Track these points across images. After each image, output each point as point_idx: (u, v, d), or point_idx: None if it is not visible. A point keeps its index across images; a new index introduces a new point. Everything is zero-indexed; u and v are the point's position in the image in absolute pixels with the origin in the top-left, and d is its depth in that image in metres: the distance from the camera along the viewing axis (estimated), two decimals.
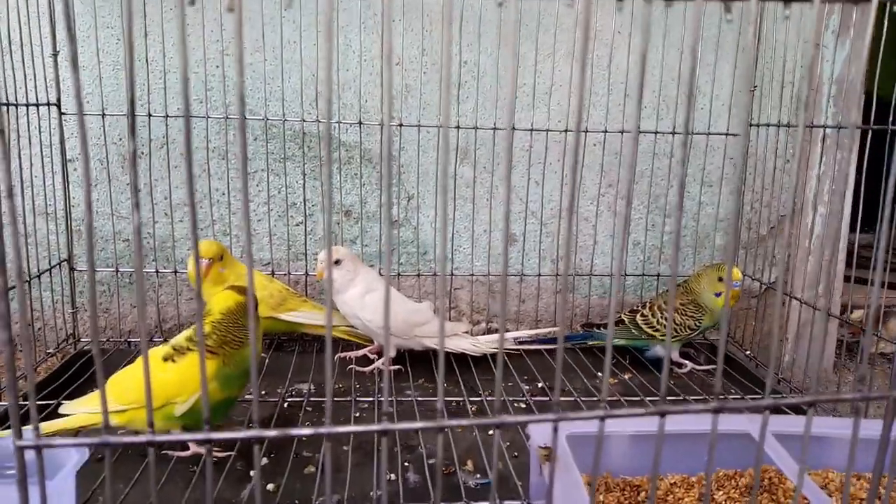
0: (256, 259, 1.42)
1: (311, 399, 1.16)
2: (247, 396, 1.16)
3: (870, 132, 1.24)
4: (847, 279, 1.55)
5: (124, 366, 1.24)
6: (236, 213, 1.40)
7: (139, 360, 0.94)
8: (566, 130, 1.39)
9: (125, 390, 0.90)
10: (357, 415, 1.13)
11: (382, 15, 1.34)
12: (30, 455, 0.69)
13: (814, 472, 0.84)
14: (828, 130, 1.46)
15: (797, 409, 1.09)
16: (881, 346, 1.74)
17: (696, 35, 0.40)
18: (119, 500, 0.84)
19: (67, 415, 0.92)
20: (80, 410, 0.91)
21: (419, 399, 1.16)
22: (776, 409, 1.07)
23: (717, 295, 1.25)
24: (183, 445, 0.93)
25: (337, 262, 1.18)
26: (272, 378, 1.25)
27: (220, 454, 0.93)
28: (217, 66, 1.35)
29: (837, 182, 1.48)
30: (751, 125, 1.43)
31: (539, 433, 0.79)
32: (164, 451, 0.94)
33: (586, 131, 1.40)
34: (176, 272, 1.39)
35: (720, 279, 1.24)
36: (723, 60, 1.43)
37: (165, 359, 0.89)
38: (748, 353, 1.43)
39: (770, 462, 0.79)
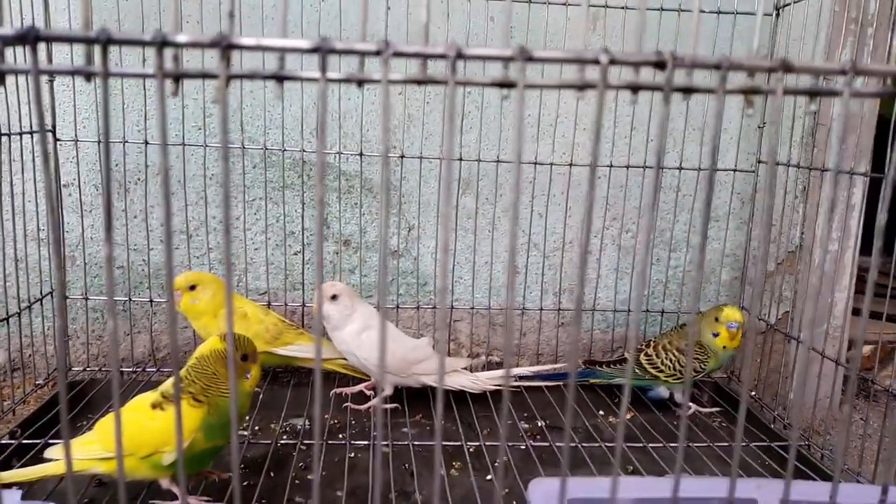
0: (253, 289, 1.40)
1: (306, 440, 1.13)
2: (242, 432, 1.14)
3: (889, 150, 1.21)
4: (875, 315, 1.52)
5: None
6: (233, 241, 1.38)
7: (129, 405, 0.91)
8: (571, 164, 1.36)
9: (113, 436, 0.86)
10: (352, 455, 1.10)
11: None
12: None
13: None
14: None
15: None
16: (887, 383, 1.71)
17: (717, 129, 0.38)
18: None
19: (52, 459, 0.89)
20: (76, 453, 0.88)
21: (416, 444, 1.13)
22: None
23: (715, 336, 1.22)
24: (172, 495, 0.90)
25: (334, 298, 1.15)
26: (266, 412, 1.22)
27: None
28: (190, 60, 1.32)
29: (841, 220, 1.45)
30: (759, 161, 1.40)
31: (539, 497, 0.76)
32: (151, 501, 0.91)
33: (591, 166, 1.37)
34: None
35: (716, 319, 1.21)
36: (730, 98, 1.40)
37: (154, 406, 0.86)
38: (753, 393, 1.40)
39: None
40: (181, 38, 0.34)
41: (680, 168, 1.39)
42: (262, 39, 0.36)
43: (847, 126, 1.41)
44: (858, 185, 1.45)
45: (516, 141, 0.34)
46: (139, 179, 1.34)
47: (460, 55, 0.36)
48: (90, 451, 0.86)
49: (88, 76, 0.35)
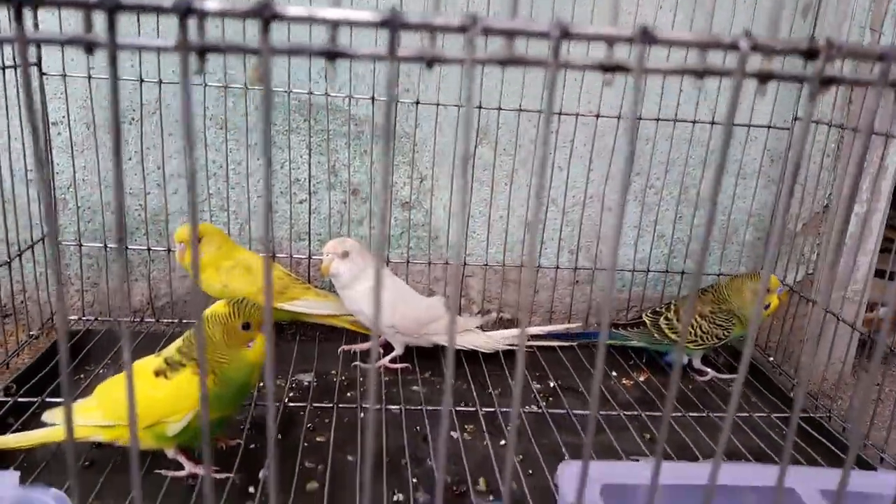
0: (256, 239, 1.33)
1: (315, 399, 1.09)
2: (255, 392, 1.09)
3: None
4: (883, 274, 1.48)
5: (115, 354, 1.18)
6: (234, 187, 1.30)
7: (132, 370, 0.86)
8: (598, 115, 1.28)
9: (114, 404, 0.82)
10: (362, 415, 1.06)
11: None
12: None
13: None
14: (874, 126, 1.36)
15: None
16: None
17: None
18: None
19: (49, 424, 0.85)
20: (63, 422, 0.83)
21: (429, 409, 1.09)
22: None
23: (766, 307, 1.18)
24: (177, 465, 0.86)
25: (344, 255, 1.09)
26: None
27: (218, 475, 0.86)
28: (216, 27, 1.21)
29: (871, 181, 1.39)
30: (795, 119, 1.32)
31: (572, 483, 0.72)
32: (157, 471, 0.87)
33: (619, 117, 1.29)
34: (169, 250, 1.29)
35: (768, 290, 1.16)
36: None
37: (157, 373, 0.81)
38: (771, 359, 1.37)
39: None
40: (211, 4, 0.27)
41: (712, 123, 1.30)
42: (315, 10, 0.28)
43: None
44: (894, 146, 1.37)
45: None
46: (133, 119, 1.24)
47: (566, 34, 0.28)
48: (90, 417, 0.82)
49: (90, 47, 0.28)
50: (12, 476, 0.61)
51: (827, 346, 1.41)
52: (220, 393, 0.80)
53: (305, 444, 0.99)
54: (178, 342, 0.84)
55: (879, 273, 1.53)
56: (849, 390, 1.50)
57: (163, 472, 0.86)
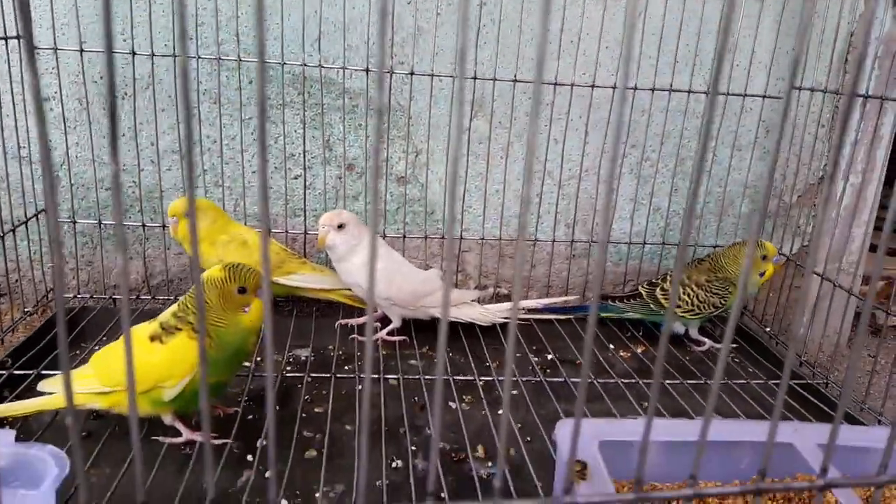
0: (252, 214, 1.32)
1: (312, 372, 1.09)
2: (246, 366, 1.09)
3: None
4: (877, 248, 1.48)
5: (110, 329, 1.17)
6: (229, 162, 1.29)
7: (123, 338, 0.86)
8: (593, 86, 1.27)
9: (110, 371, 0.81)
10: (359, 388, 1.06)
11: None
12: (6, 460, 0.61)
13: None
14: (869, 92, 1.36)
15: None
16: (891, 320, 1.70)
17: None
18: (109, 487, 0.77)
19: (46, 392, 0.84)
20: (60, 390, 0.83)
21: (427, 378, 1.09)
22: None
23: (761, 275, 1.18)
24: (175, 431, 0.86)
25: (340, 227, 1.08)
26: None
27: (216, 441, 0.86)
28: None
29: (866, 151, 1.39)
30: (792, 87, 1.32)
31: (568, 437, 0.72)
32: (154, 438, 0.87)
33: (614, 87, 1.28)
34: (164, 226, 1.28)
35: (763, 257, 1.16)
36: (766, 14, 1.30)
37: (153, 338, 0.81)
38: (768, 329, 1.37)
39: (813, 473, 0.74)
40: None
41: (707, 93, 1.30)
42: None
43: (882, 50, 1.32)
44: (889, 114, 1.37)
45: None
46: (126, 94, 1.23)
47: None
48: (87, 384, 0.81)
49: None
50: (8, 434, 0.61)
51: (823, 316, 1.41)
52: (217, 357, 0.80)
53: (303, 415, 0.99)
54: (174, 307, 0.84)
55: (874, 249, 1.53)
56: (845, 361, 1.51)
57: (160, 438, 0.86)
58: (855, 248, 1.47)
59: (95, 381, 0.81)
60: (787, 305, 1.43)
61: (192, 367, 0.79)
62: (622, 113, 0.31)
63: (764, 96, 1.32)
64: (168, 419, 0.85)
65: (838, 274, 1.46)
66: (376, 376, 1.07)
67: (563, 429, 0.73)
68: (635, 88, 1.28)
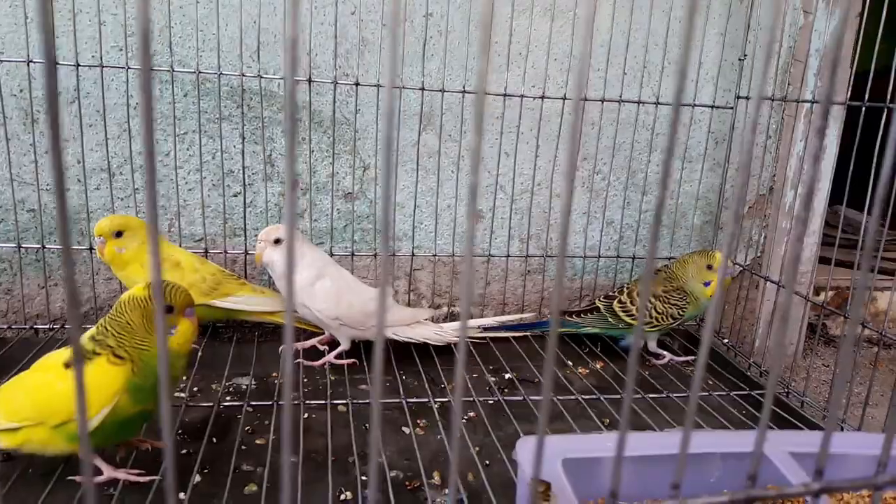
0: (187, 235, 1.24)
1: (253, 401, 1.01)
2: (181, 396, 1.01)
3: (863, 109, 1.15)
4: (827, 261, 1.49)
5: (28, 362, 1.07)
6: (163, 180, 1.21)
7: (38, 364, 0.77)
8: (543, 97, 1.25)
9: (18, 405, 0.72)
10: (306, 416, 0.99)
11: None
12: None
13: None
14: (813, 105, 1.38)
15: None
16: (846, 326, 1.71)
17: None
18: None
19: None
20: None
21: (378, 402, 1.02)
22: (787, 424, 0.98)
23: (706, 284, 1.15)
24: (95, 469, 0.77)
25: (277, 242, 1.02)
26: (206, 371, 1.09)
27: (141, 479, 0.77)
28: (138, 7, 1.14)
29: (811, 160, 1.40)
30: (738, 97, 1.32)
31: (529, 456, 0.67)
32: (69, 478, 0.77)
33: (564, 99, 1.26)
34: (91, 249, 1.19)
35: (709, 267, 1.14)
36: (711, 27, 1.31)
37: (67, 365, 0.72)
38: (726, 341, 1.35)
39: (786, 483, 0.70)
40: None
41: (657, 104, 1.29)
42: None
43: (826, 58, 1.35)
44: (833, 125, 1.39)
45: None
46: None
47: None
48: None
49: None
50: None
51: (786, 330, 1.41)
52: (141, 384, 0.72)
53: (243, 448, 0.91)
54: (92, 330, 0.75)
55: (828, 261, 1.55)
56: (802, 372, 1.50)
57: (77, 478, 0.77)
58: (805, 258, 1.48)
59: (0, 416, 0.72)
60: (743, 317, 1.42)
61: (112, 395, 0.70)
62: (575, 125, 0.27)
63: (713, 106, 1.32)
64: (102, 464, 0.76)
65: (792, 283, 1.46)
66: (321, 402, 1.00)
67: (524, 447, 0.68)
68: (585, 99, 1.27)
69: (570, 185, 0.27)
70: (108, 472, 0.76)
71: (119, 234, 1.05)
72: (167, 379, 0.26)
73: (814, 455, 0.71)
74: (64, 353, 0.74)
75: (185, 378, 1.05)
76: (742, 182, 0.31)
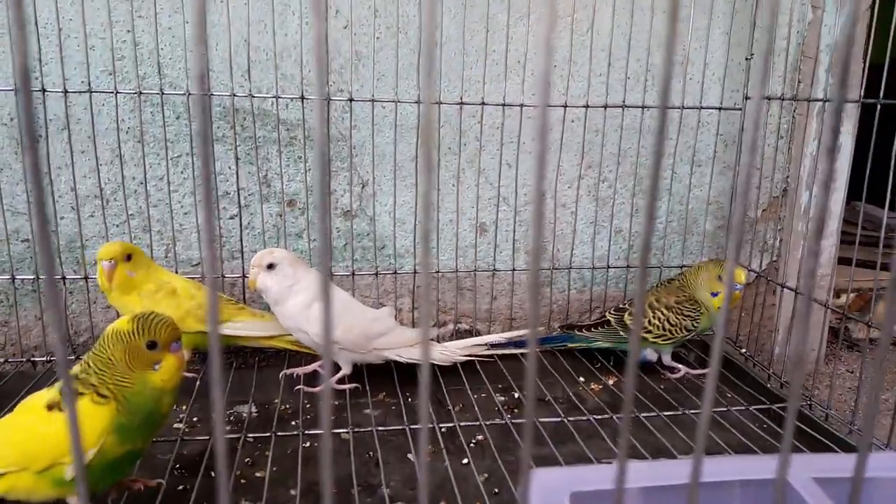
0: (184, 260, 1.21)
1: (252, 432, 0.98)
2: (177, 425, 0.97)
3: (878, 105, 1.10)
4: (847, 261, 1.43)
5: (25, 395, 1.04)
6: (157, 205, 1.19)
7: (22, 406, 0.74)
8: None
9: (2, 449, 0.69)
10: (307, 445, 0.95)
11: None
12: None
13: None
14: (825, 103, 1.33)
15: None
16: (871, 332, 1.65)
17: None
18: None
19: None
20: None
21: (379, 429, 0.99)
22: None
23: (714, 295, 1.10)
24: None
25: (270, 267, 0.99)
26: (204, 400, 1.06)
27: None
28: (128, 31, 1.12)
29: (828, 161, 1.35)
30: (746, 98, 1.28)
31: (537, 495, 0.63)
32: None
33: (565, 106, 1.23)
34: (87, 278, 1.17)
35: (720, 278, 1.09)
36: (715, 26, 1.27)
37: (50, 407, 0.69)
38: (743, 350, 1.30)
39: None
40: None
41: (665, 107, 1.25)
42: None
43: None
44: (847, 122, 1.34)
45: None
46: (39, 136, 1.13)
47: None
48: None
49: None
50: None
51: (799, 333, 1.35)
52: (126, 423, 0.69)
53: (242, 481, 0.88)
54: (76, 367, 0.72)
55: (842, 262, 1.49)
56: (825, 379, 1.44)
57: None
58: (824, 260, 1.43)
59: None
60: (760, 325, 1.37)
61: (98, 437, 0.67)
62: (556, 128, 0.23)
63: (720, 108, 1.28)
64: (73, 501, 0.73)
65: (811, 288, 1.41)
66: (320, 431, 0.96)
67: (533, 484, 0.63)
68: (587, 106, 1.23)
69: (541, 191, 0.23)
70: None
71: (129, 258, 1.03)
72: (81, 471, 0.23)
73: (841, 481, 0.66)
74: (46, 395, 0.71)
75: (183, 408, 1.02)
76: (742, 191, 0.28)
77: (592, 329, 1.21)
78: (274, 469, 0.90)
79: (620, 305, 1.22)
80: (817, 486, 0.66)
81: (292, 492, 0.86)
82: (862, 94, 1.11)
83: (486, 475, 0.90)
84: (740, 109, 1.29)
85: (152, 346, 0.70)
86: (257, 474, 0.90)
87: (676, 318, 1.12)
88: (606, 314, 1.21)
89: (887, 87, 1.00)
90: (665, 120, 0.27)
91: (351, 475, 0.88)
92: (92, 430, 0.67)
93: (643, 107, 1.25)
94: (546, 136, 0.25)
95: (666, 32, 0.25)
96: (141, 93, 1.11)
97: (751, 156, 0.30)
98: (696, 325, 1.12)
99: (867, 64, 1.11)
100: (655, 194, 0.29)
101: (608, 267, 1.34)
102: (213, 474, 0.88)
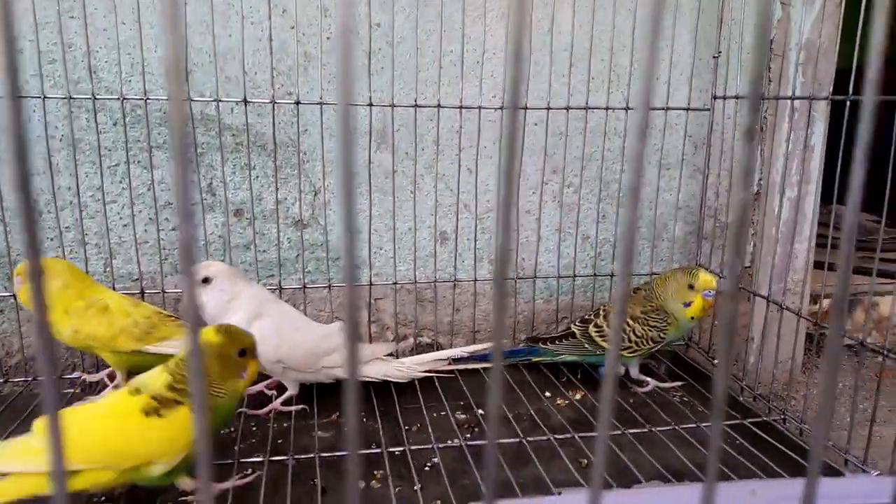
0: (124, 275, 1.14)
1: None
2: None
3: (847, 103, 1.05)
4: (821, 265, 1.39)
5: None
6: (94, 216, 1.12)
7: (104, 408, 0.74)
8: (502, 108, 1.16)
9: (88, 445, 0.69)
10: (249, 471, 0.88)
11: None
12: None
13: None
14: (796, 104, 1.28)
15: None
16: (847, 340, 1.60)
17: None
18: None
19: None
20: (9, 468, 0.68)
21: (322, 454, 0.92)
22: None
23: (686, 305, 1.05)
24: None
25: (206, 281, 0.92)
26: None
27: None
28: (57, 32, 1.05)
29: (802, 162, 1.31)
30: (714, 98, 1.23)
31: None
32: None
33: (525, 108, 1.17)
34: (16, 296, 1.09)
35: (691, 287, 1.04)
36: (682, 24, 1.22)
37: (147, 412, 0.71)
38: (716, 361, 1.24)
39: None
40: None
41: (626, 108, 1.20)
42: None
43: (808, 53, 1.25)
44: (818, 122, 1.30)
45: None
46: None
47: None
48: (37, 463, 0.68)
49: None
50: None
51: (774, 343, 1.30)
52: (214, 430, 0.78)
53: None
54: (161, 377, 0.74)
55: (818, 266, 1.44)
56: (801, 389, 1.39)
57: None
58: (799, 265, 1.38)
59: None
60: (735, 334, 1.32)
61: (189, 442, 0.72)
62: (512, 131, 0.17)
63: (687, 108, 1.23)
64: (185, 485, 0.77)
65: (784, 294, 1.36)
66: (259, 459, 0.90)
67: None
68: (548, 108, 1.17)
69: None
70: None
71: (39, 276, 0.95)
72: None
73: None
74: (133, 399, 0.73)
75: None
76: (740, 188, 0.23)
77: (557, 342, 1.15)
78: (217, 499, 0.83)
79: (586, 316, 1.17)
80: None
81: None
82: (831, 91, 1.06)
83: (438, 502, 0.84)
84: (709, 110, 1.24)
85: (242, 353, 0.77)
86: None
87: (642, 328, 1.07)
88: (572, 326, 1.16)
89: (856, 86, 0.96)
90: (647, 117, 0.22)
91: None
92: (187, 435, 0.72)
93: (607, 108, 1.20)
94: (515, 142, 0.20)
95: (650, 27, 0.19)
96: (72, 98, 1.04)
97: (748, 154, 0.26)
98: (663, 336, 1.07)
99: (837, 64, 1.07)
100: (637, 196, 0.24)
101: (574, 276, 1.28)
102: None
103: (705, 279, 1.03)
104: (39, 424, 0.71)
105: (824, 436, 0.31)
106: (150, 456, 0.72)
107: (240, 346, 0.76)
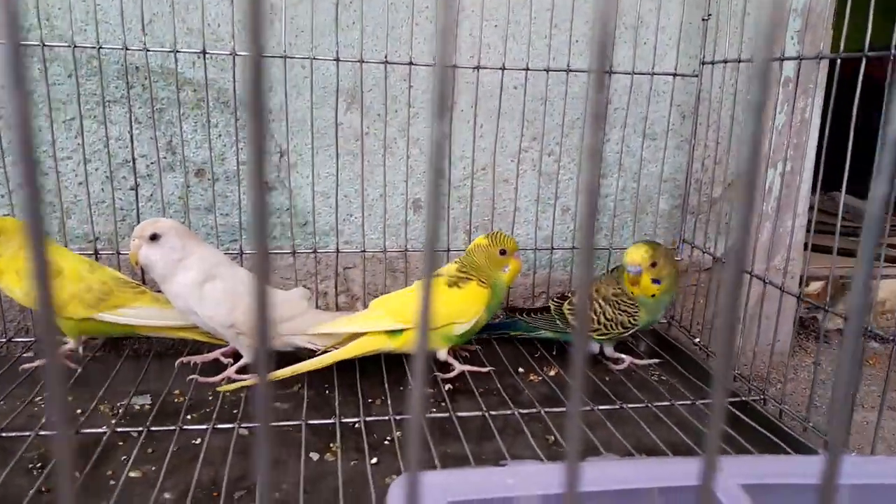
0: (79, 235, 1.09)
1: (137, 426, 0.86)
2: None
3: (834, 83, 0.99)
4: (821, 249, 1.33)
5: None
6: (48, 173, 1.06)
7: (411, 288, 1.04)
8: (478, 67, 1.10)
9: (409, 312, 0.94)
10: (196, 441, 0.84)
11: None
12: None
13: None
14: (790, 73, 1.22)
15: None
16: (837, 322, 1.55)
17: None
18: None
19: None
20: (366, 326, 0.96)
21: (285, 424, 0.87)
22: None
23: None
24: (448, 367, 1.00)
25: (154, 238, 0.87)
26: (90, 390, 0.94)
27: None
28: None
29: (798, 135, 1.25)
30: (703, 63, 1.17)
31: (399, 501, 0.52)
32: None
33: (503, 69, 1.11)
34: None
35: (502, 252, 1.00)
36: None
37: (450, 285, 0.96)
38: (697, 340, 1.20)
39: None
40: None
41: (610, 72, 1.14)
42: None
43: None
44: (817, 95, 1.24)
45: None
46: None
47: None
48: (381, 323, 0.96)
49: None
50: None
51: (760, 323, 1.25)
52: (494, 305, 1.00)
53: (111, 482, 0.77)
54: (451, 268, 1.00)
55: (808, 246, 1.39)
56: (788, 372, 1.35)
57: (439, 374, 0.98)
58: (794, 243, 1.33)
59: (389, 320, 0.95)
60: (717, 314, 1.27)
61: (480, 308, 0.97)
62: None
63: (674, 74, 1.17)
64: (442, 355, 0.99)
65: (768, 271, 1.31)
66: (206, 426, 0.85)
67: (396, 492, 0.52)
68: (527, 69, 1.11)
69: None
70: (458, 368, 0.99)
71: None
72: None
73: (774, 488, 0.55)
74: (442, 280, 0.98)
75: (70, 398, 0.91)
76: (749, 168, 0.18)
77: (533, 315, 1.10)
78: (152, 468, 0.79)
79: (563, 293, 1.11)
80: (744, 493, 0.56)
81: (166, 494, 0.75)
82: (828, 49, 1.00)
83: (394, 477, 0.79)
84: (697, 76, 1.18)
85: (503, 252, 0.99)
86: (132, 474, 0.79)
87: (613, 311, 1.01)
88: (548, 302, 1.11)
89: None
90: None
91: (244, 477, 0.77)
92: (480, 302, 0.97)
93: (590, 71, 1.14)
94: (444, 104, 0.14)
95: None
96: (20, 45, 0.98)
97: (756, 124, 0.21)
98: (634, 321, 1.01)
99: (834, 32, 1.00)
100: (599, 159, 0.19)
101: (552, 249, 1.23)
102: (77, 474, 0.77)
103: (629, 253, 0.98)
104: (378, 302, 1.00)
105: (841, 441, 0.26)
106: (452, 316, 0.95)
107: (501, 247, 0.99)
